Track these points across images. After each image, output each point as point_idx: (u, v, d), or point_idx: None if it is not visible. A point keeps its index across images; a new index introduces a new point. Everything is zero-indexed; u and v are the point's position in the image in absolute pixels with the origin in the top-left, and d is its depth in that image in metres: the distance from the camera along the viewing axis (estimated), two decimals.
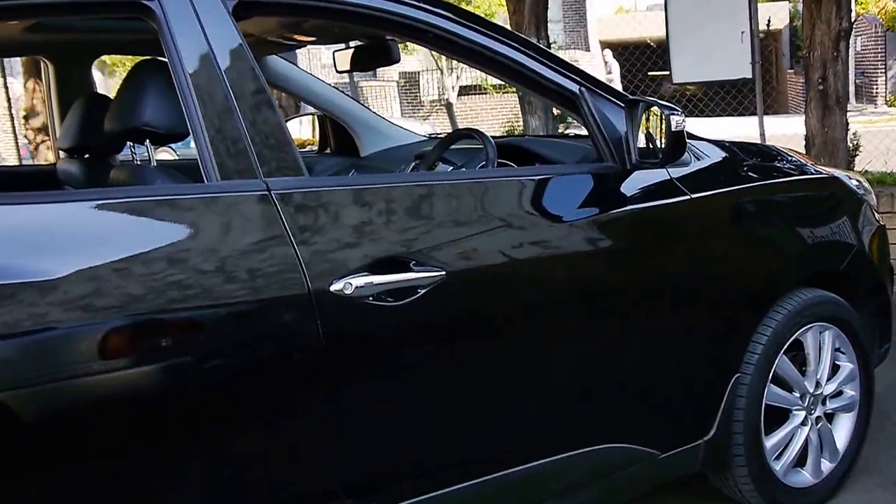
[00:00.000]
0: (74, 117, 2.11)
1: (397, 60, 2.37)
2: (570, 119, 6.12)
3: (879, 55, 16.79)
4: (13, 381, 1.19)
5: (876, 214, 2.58)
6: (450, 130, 3.80)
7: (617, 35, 18.27)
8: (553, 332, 1.79)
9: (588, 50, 19.19)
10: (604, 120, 1.90)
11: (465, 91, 17.35)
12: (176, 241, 1.36)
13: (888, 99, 16.87)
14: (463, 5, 12.90)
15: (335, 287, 1.45)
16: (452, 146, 2.31)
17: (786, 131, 8.33)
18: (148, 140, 1.66)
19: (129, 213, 1.38)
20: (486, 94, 18.42)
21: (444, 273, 1.56)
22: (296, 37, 2.33)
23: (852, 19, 4.84)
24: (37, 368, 1.21)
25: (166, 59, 1.48)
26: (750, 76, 4.92)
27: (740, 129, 7.04)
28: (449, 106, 14.25)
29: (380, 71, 15.66)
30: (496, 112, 16.99)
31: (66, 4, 1.46)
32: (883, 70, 16.90)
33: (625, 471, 1.93)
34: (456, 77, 15.27)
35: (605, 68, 16.28)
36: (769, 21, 8.27)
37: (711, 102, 10.20)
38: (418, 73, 17.11)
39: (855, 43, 17.53)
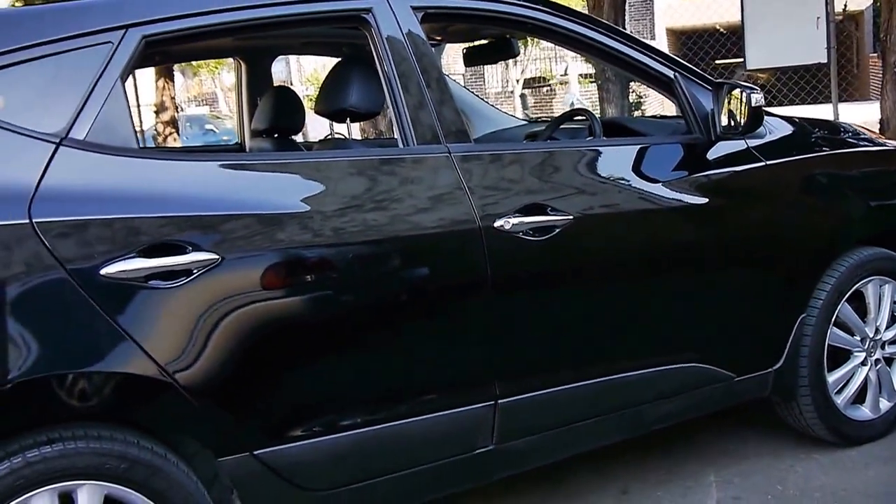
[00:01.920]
0: (267, 105, 2.81)
1: (518, 54, 3.03)
2: (643, 106, 6.71)
3: None
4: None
5: None
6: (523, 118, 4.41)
7: (686, 21, 18.63)
8: (654, 271, 2.39)
9: (654, 38, 19.60)
10: (694, 99, 2.51)
11: (527, 84, 18.07)
12: (392, 186, 2.04)
13: None
14: None
15: (497, 224, 2.08)
16: (562, 125, 2.96)
17: (867, 118, 8.71)
18: (349, 118, 2.35)
19: (356, 169, 2.06)
20: (548, 85, 19.08)
21: (572, 217, 2.21)
22: (439, 38, 3.01)
23: None
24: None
25: (345, 57, 2.14)
26: (825, 61, 5.43)
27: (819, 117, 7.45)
28: (522, 97, 15.04)
29: (447, 63, 16.41)
30: (557, 101, 17.65)
31: (305, 18, 2.15)
32: None
33: (706, 387, 2.54)
34: (521, 70, 15.98)
35: None
36: (845, 5, 8.65)
37: (785, 88, 10.61)
38: (483, 66, 17.80)
39: None
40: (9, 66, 1.76)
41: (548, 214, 2.17)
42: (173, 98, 7.45)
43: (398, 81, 2.09)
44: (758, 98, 2.38)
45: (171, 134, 7.52)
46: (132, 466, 1.74)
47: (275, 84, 3.17)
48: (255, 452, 1.87)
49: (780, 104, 10.45)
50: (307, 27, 2.43)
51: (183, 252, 1.77)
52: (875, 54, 18.66)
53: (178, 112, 7.62)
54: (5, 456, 1.65)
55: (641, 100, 6.48)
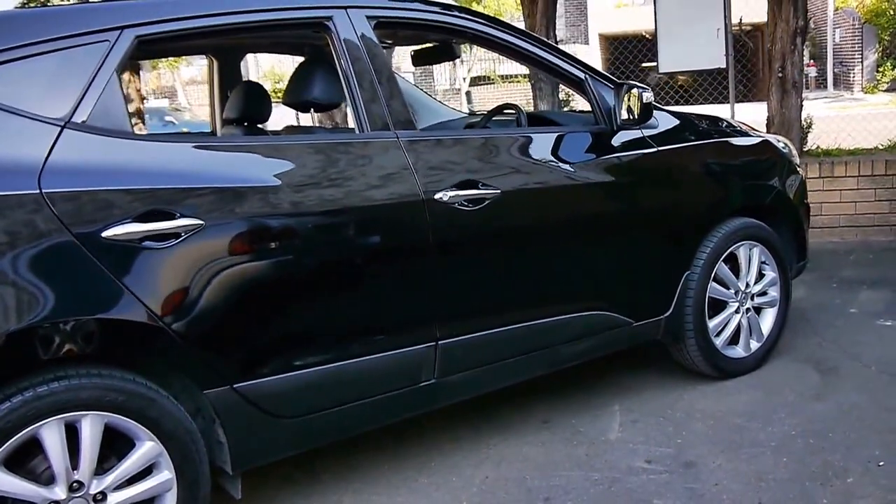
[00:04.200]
0: (237, 97, 2.91)
1: (459, 57, 3.18)
2: (572, 103, 6.89)
3: (857, 46, 17.40)
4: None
5: (799, 169, 3.39)
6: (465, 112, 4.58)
7: (615, 28, 18.90)
8: (567, 236, 2.60)
9: (587, 43, 19.83)
10: (600, 96, 2.70)
11: (475, 81, 18.18)
12: (347, 166, 2.18)
13: (864, 87, 17.51)
14: (473, 6, 13.70)
15: (437, 196, 2.26)
16: (494, 117, 3.12)
17: (762, 116, 9.04)
18: (312, 109, 2.47)
19: (320, 150, 2.19)
20: (493, 83, 19.22)
21: (500, 191, 2.38)
22: (390, 41, 3.13)
23: (808, 18, 5.58)
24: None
25: (304, 56, 2.24)
26: (724, 66, 5.66)
27: (722, 114, 7.78)
28: (468, 94, 15.15)
29: (399, 63, 16.43)
30: (501, 99, 17.81)
31: (275, 23, 2.26)
32: (860, 60, 17.51)
33: (609, 331, 2.75)
34: (468, 69, 16.08)
35: None
36: (741, 18, 8.95)
37: (700, 89, 10.94)
38: (431, 65, 17.84)
39: (834, 35, 18.13)
40: (23, 58, 1.86)
41: (479, 189, 2.35)
42: (139, 90, 7.39)
43: (354, 77, 2.23)
44: (648, 96, 2.60)
45: (136, 124, 7.47)
46: (129, 398, 1.88)
47: (243, 79, 3.26)
48: (235, 386, 2.02)
49: (696, 102, 10.78)
50: (276, 31, 2.54)
51: (171, 218, 1.90)
52: None
53: (143, 104, 7.51)
54: (17, 391, 1.77)
55: (570, 98, 6.65)
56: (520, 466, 2.55)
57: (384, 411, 2.33)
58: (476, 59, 17.18)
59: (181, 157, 2.00)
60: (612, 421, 2.83)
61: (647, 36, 13.74)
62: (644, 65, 13.69)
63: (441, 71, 17.85)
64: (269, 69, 18.31)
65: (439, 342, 2.33)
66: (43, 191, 1.78)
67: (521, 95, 18.33)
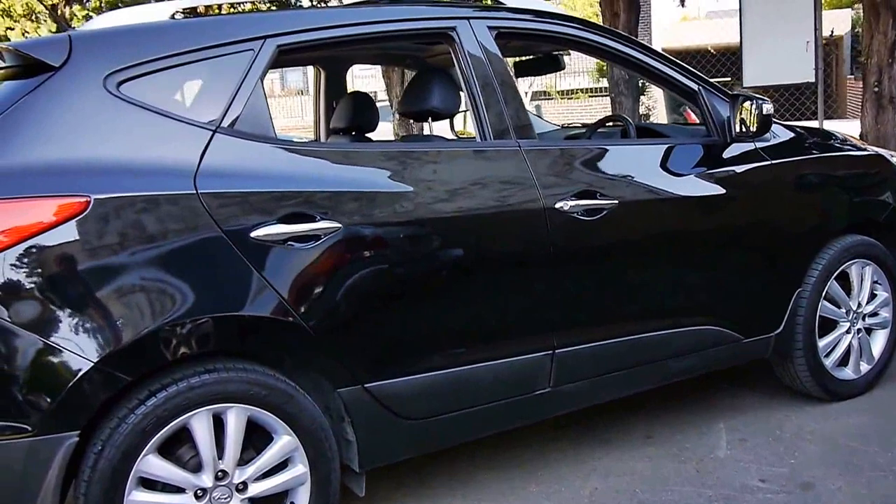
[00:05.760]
0: (345, 107, 3.07)
1: (563, 68, 3.29)
2: (651, 118, 6.95)
3: None
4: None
5: None
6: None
7: (680, 42, 18.84)
8: (680, 249, 2.66)
9: None
10: (713, 108, 2.77)
11: (535, 97, 18.41)
12: (473, 173, 2.30)
13: None
14: None
15: (558, 205, 2.35)
16: (599, 129, 3.21)
17: (846, 133, 8.90)
18: (430, 118, 2.60)
19: (449, 158, 2.31)
20: (552, 99, 19.38)
21: (616, 202, 2.46)
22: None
23: None
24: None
25: (425, 66, 2.36)
26: (813, 80, 5.67)
27: None
28: (537, 107, 15.50)
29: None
30: (562, 114, 17.97)
31: (402, 34, 2.41)
32: None
33: (719, 347, 2.79)
34: (529, 83, 16.24)
35: None
36: (832, 31, 8.90)
37: (777, 105, 10.87)
38: None
39: None
40: (177, 66, 2.03)
41: (597, 199, 2.43)
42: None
43: (477, 87, 2.35)
44: (768, 108, 2.65)
45: None
46: (271, 393, 2.01)
47: (349, 90, 3.42)
48: (366, 385, 2.13)
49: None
50: (401, 42, 2.68)
51: (312, 220, 2.03)
52: (852, 76, 18.79)
53: None
54: (172, 381, 1.91)
55: (650, 111, 6.70)
56: (628, 480, 2.60)
57: (501, 418, 2.41)
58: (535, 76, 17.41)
59: (320, 163, 2.14)
60: (718, 439, 2.86)
61: (713, 51, 13.68)
62: (711, 81, 13.63)
63: None
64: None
65: (556, 351, 2.41)
66: (199, 191, 1.93)
67: (581, 110, 18.44)
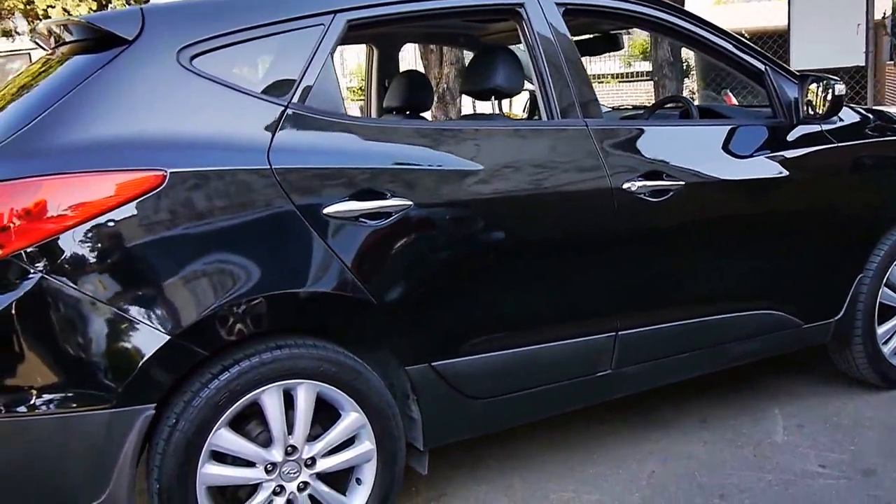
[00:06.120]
0: (399, 86, 3.06)
1: (621, 48, 3.25)
2: (695, 101, 6.86)
3: None
4: None
5: None
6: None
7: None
8: (744, 232, 2.62)
9: None
10: (780, 89, 2.72)
11: None
12: (541, 152, 2.28)
13: None
14: None
15: (625, 185, 2.33)
16: (657, 110, 3.18)
17: None
18: (494, 97, 2.58)
19: (518, 137, 2.30)
20: (602, 83, 19.12)
21: (683, 183, 2.43)
22: None
23: None
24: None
25: (486, 45, 2.33)
26: (863, 64, 5.55)
27: None
28: None
29: None
30: (608, 97, 17.80)
31: (469, 10, 2.39)
32: None
33: (778, 332, 2.76)
34: None
35: None
36: (885, 13, 8.69)
37: None
38: None
39: None
40: (248, 40, 2.02)
41: (664, 180, 2.40)
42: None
43: (545, 65, 2.32)
44: (840, 88, 2.59)
45: None
46: (340, 370, 2.03)
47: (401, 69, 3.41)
48: (433, 364, 2.14)
49: None
50: (468, 17, 2.65)
51: (383, 197, 2.03)
52: (892, 62, 18.26)
53: None
54: (245, 356, 1.93)
55: (693, 96, 6.62)
56: (686, 463, 2.59)
57: (563, 399, 2.41)
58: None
59: (391, 140, 2.14)
60: (774, 424, 2.84)
61: (748, 35, 13.44)
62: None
63: None
64: (356, 66, 18.67)
65: (619, 332, 2.40)
66: (273, 166, 1.94)
67: (612, 95, 18.22)
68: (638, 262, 2.42)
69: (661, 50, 5.49)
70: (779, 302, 2.72)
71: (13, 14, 6.03)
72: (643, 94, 14.47)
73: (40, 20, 6.13)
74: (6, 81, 2.44)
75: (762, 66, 2.72)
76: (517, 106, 4.29)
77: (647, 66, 15.30)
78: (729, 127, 2.71)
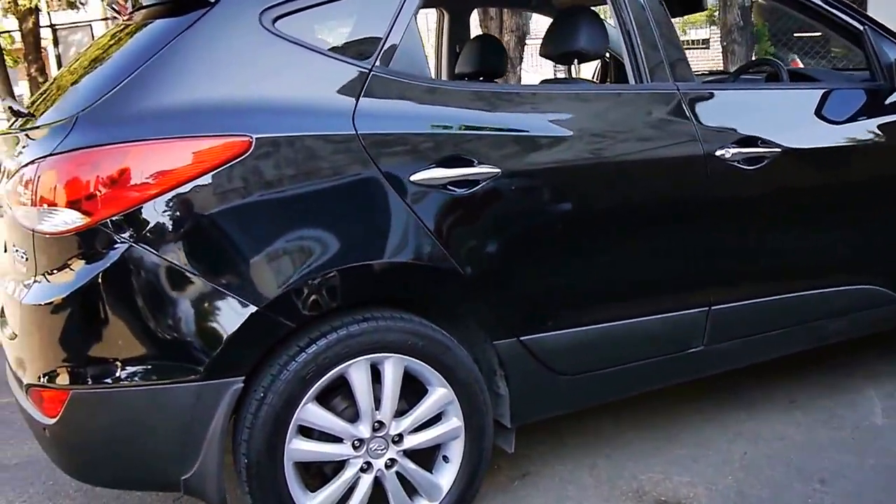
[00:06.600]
0: (472, 50, 2.96)
1: (707, 9, 3.10)
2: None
3: None
4: None
5: None
6: None
7: None
8: (842, 202, 2.48)
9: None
10: (880, 50, 2.56)
11: None
12: (631, 117, 2.18)
13: None
14: None
15: (718, 152, 2.21)
16: (743, 74, 3.02)
17: None
18: (576, 60, 2.47)
19: (608, 100, 2.20)
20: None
21: (779, 150, 2.30)
22: None
23: None
24: None
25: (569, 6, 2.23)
26: None
27: None
28: None
29: (539, 31, 16.31)
30: None
31: None
32: None
33: (878, 308, 2.61)
34: None
35: None
36: None
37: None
38: None
39: None
40: (330, 1, 1.94)
41: (758, 146, 2.27)
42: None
43: (634, 25, 2.21)
44: None
45: None
46: (429, 344, 1.96)
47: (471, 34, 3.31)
48: (521, 338, 2.06)
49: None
50: None
51: (470, 164, 1.94)
52: None
53: None
54: (332, 329, 1.87)
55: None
56: (779, 445, 2.48)
57: (653, 376, 2.32)
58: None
59: (478, 105, 2.05)
60: (871, 406, 2.70)
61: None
62: (796, 34, 12.88)
63: None
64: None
65: (712, 307, 2.29)
66: (358, 132, 1.86)
67: None
68: (731, 234, 2.30)
69: (731, 14, 5.27)
70: (880, 277, 2.57)
71: None
72: (700, 61, 14.03)
73: None
74: (84, 49, 2.41)
75: (860, 27, 2.55)
76: (585, 72, 4.14)
77: (702, 34, 14.81)
78: (823, 90, 2.56)
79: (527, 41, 5.69)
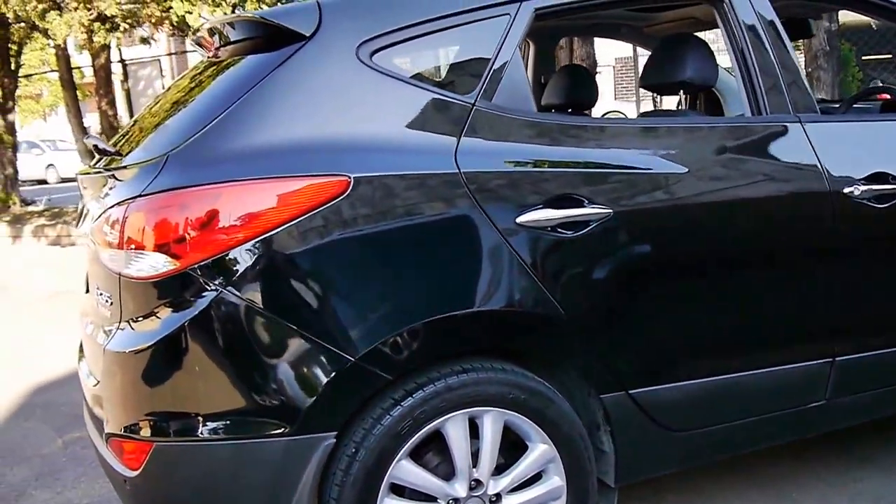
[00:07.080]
0: (561, 81, 2.84)
1: (812, 35, 2.93)
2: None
3: None
4: None
5: None
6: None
7: (841, 17, 17.37)
8: None
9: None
10: None
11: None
12: (750, 152, 2.01)
13: None
14: None
15: (846, 190, 2.04)
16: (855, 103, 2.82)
17: None
18: (682, 91, 2.32)
19: (723, 135, 2.02)
20: None
21: None
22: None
23: None
24: None
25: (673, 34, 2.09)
26: None
27: None
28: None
29: (601, 60, 16.20)
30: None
31: None
32: None
33: None
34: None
35: None
36: None
37: None
38: (629, 58, 17.36)
39: None
40: (428, 33, 1.84)
41: (890, 183, 2.08)
42: None
43: (752, 56, 2.05)
44: None
45: None
46: (531, 397, 1.81)
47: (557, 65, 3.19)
48: (631, 391, 1.90)
49: None
50: (659, 3, 2.42)
51: (581, 205, 1.81)
52: None
53: None
54: (430, 381, 1.74)
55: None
56: None
57: (771, 432, 2.13)
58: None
59: (586, 141, 1.90)
60: None
61: (875, 27, 12.40)
62: (864, 57, 12.40)
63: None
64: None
65: (836, 358, 2.09)
66: (461, 170, 1.75)
67: None
68: (860, 278, 2.11)
69: (816, 39, 5.03)
70: None
71: (163, 24, 6.13)
72: None
73: (177, 28, 6.18)
74: (168, 87, 2.37)
75: None
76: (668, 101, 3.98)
77: None
78: None
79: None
